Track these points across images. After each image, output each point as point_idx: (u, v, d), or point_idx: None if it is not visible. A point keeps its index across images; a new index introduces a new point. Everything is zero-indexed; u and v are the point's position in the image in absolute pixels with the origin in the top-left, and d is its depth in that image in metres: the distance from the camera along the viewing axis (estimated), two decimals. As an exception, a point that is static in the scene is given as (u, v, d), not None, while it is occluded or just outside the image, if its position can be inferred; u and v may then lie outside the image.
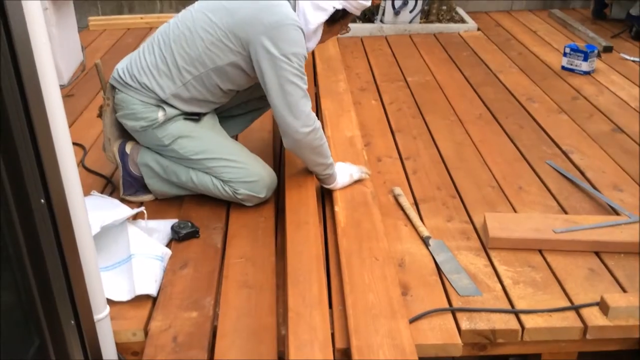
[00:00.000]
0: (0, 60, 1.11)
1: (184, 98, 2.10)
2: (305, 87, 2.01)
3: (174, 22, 2.14)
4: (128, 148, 2.24)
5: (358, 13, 2.14)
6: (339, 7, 2.05)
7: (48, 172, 1.25)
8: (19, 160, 1.23)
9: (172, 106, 2.11)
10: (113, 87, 2.16)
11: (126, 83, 2.11)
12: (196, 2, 2.16)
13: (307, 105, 2.01)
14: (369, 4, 2.11)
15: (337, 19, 2.10)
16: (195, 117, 2.17)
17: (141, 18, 4.68)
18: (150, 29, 4.55)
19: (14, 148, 1.22)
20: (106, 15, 4.91)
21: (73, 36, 3.77)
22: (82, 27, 4.36)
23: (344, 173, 2.24)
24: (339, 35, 2.31)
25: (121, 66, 2.17)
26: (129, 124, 2.15)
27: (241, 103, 2.44)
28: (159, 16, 4.74)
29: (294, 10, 2.03)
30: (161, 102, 2.10)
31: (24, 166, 1.24)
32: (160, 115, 2.10)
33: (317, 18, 2.04)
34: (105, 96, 2.18)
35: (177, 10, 4.94)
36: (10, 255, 1.31)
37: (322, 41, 2.17)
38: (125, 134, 2.25)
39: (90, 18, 4.66)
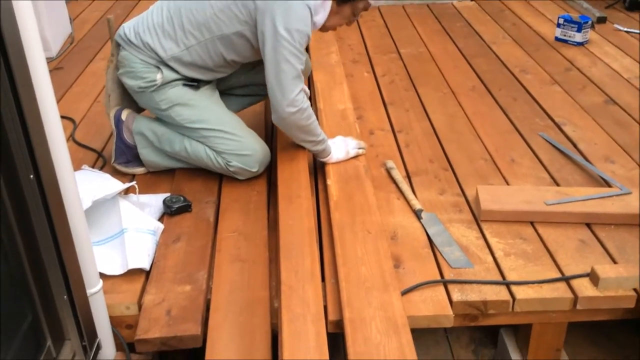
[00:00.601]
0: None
1: (184, 62, 2.10)
2: (301, 67, 1.99)
3: None
4: (124, 115, 2.24)
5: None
6: None
7: (36, 147, 1.24)
8: (7, 135, 1.22)
9: (171, 69, 2.11)
10: (118, 45, 2.16)
11: (130, 41, 2.12)
12: None
13: (297, 86, 1.99)
14: None
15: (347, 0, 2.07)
16: (194, 83, 2.16)
17: (130, -11, 4.59)
18: (138, 1, 4.48)
19: (0, 123, 1.21)
20: (94, -14, 4.81)
21: (61, 8, 3.71)
22: (70, -1, 4.29)
23: (340, 148, 2.23)
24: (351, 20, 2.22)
25: (128, 24, 2.17)
26: (128, 82, 2.16)
27: (243, 85, 2.43)
28: (148, -13, 4.65)
29: None
30: (161, 64, 2.10)
31: (12, 142, 1.23)
32: (158, 77, 2.10)
33: None
34: (111, 52, 2.20)
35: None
36: (1, 231, 1.30)
37: (330, 25, 2.14)
38: (126, 94, 2.26)
39: (79, -11, 4.58)
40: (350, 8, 2.12)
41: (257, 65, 2.27)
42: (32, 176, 1.26)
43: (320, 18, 2.07)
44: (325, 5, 2.05)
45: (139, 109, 2.30)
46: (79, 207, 1.43)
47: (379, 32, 3.87)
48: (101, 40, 3.72)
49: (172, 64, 2.10)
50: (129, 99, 2.27)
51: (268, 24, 1.94)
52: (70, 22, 3.88)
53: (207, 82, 2.22)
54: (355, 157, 2.27)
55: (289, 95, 1.98)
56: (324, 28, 2.15)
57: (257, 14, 1.97)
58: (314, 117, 2.10)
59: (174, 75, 2.12)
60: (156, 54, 2.10)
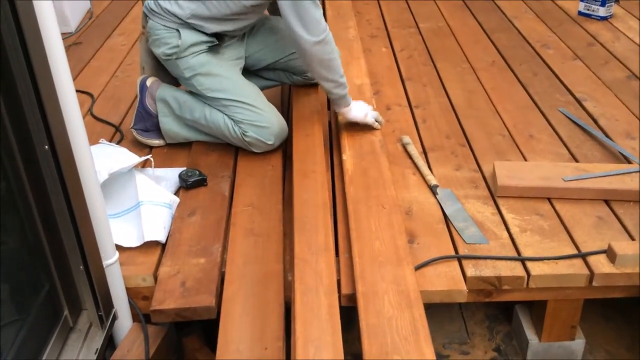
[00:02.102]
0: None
1: (204, 17, 2.11)
2: None
3: None
4: (149, 82, 2.28)
5: None
6: None
7: (51, 118, 1.25)
8: (22, 106, 1.23)
9: (193, 29, 2.13)
10: (146, 16, 2.21)
11: (152, 10, 2.16)
12: None
13: (316, 12, 1.96)
14: None
15: None
16: (217, 42, 2.17)
17: (148, -36, 4.57)
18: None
19: (16, 95, 1.22)
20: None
21: (79, -17, 3.72)
22: (89, -26, 4.29)
23: (359, 108, 2.23)
24: None
25: None
26: (155, 50, 2.21)
27: (274, 69, 2.44)
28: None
29: None
30: (182, 26, 2.13)
31: (27, 113, 1.24)
32: (180, 41, 2.12)
33: None
34: (142, 25, 2.26)
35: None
36: (17, 202, 1.32)
37: None
38: (158, 64, 2.30)
39: (97, -36, 4.57)
40: None
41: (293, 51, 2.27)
42: (46, 147, 1.27)
43: None
44: None
45: (170, 82, 2.33)
46: (94, 179, 1.44)
47: (398, 7, 3.82)
48: (119, 16, 3.72)
49: (193, 21, 2.11)
50: (162, 71, 2.31)
51: None
52: (89, -3, 3.88)
53: (231, 38, 2.24)
54: (371, 128, 2.25)
55: (309, 23, 1.95)
56: None
57: None
58: (338, 54, 2.08)
59: (195, 38, 2.13)
60: (176, 16, 2.12)
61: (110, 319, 1.55)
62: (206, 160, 2.20)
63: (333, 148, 2.27)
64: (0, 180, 1.26)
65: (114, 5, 3.92)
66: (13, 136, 1.24)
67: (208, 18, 2.12)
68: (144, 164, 2.10)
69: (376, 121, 2.27)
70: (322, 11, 2.01)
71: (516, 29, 3.43)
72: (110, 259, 1.56)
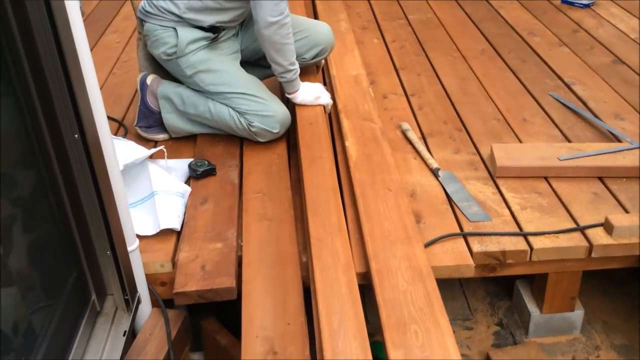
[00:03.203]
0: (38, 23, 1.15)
1: (197, 9, 2.16)
2: None
3: None
4: (149, 80, 2.32)
5: None
6: None
7: (82, 108, 1.30)
8: (52, 98, 1.28)
9: (189, 25, 2.18)
10: (141, 21, 2.25)
11: (147, 12, 2.21)
12: None
13: None
14: None
15: None
16: (215, 35, 2.22)
17: (135, -38, 4.60)
18: (145, -26, 4.48)
19: (46, 86, 1.27)
20: (99, -39, 4.81)
21: (70, -18, 3.73)
22: (76, -26, 4.30)
23: (309, 91, 2.32)
24: None
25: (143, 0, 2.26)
26: (154, 52, 2.25)
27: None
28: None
29: None
30: (178, 23, 2.18)
31: (57, 103, 1.29)
32: (176, 39, 2.17)
33: None
34: (137, 30, 2.30)
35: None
36: (49, 191, 1.37)
37: None
38: (159, 68, 2.34)
39: (84, -36, 4.58)
40: None
41: None
42: (77, 136, 1.32)
43: None
44: None
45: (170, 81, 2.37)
46: (117, 167, 1.49)
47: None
48: (110, 14, 3.75)
49: (188, 16, 2.17)
50: (162, 75, 2.35)
51: None
52: (79, -3, 3.90)
53: (227, 31, 2.29)
54: (324, 106, 2.36)
55: (266, 3, 2.03)
56: None
57: None
58: (291, 40, 2.15)
59: (192, 34, 2.18)
60: (172, 13, 2.17)
61: (136, 303, 1.60)
62: (212, 151, 2.26)
63: (335, 136, 2.34)
64: (34, 170, 1.31)
65: (103, 4, 3.94)
66: (45, 127, 1.29)
67: (202, 9, 2.17)
68: (153, 156, 2.15)
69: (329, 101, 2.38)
70: None
71: (503, 18, 3.53)
72: (132, 245, 1.61)
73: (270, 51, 2.16)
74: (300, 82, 2.30)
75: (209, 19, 2.20)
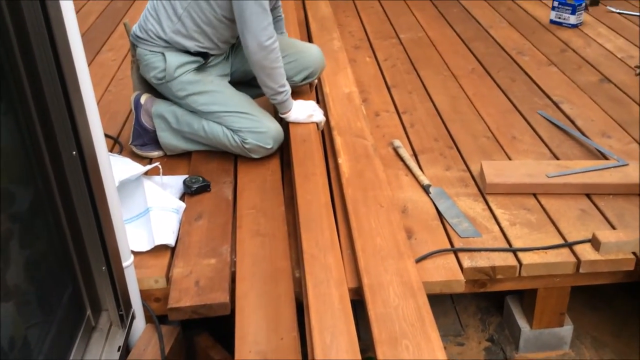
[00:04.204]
0: (39, 43, 1.18)
1: (183, 34, 2.21)
2: (266, 2, 2.08)
3: None
4: (143, 99, 2.36)
5: None
6: None
7: (80, 125, 1.32)
8: (50, 115, 1.31)
9: (176, 50, 2.22)
10: (134, 45, 2.30)
11: (138, 37, 2.26)
12: None
13: (262, 19, 2.09)
14: None
15: None
16: (203, 60, 2.26)
17: (130, -19, 4.65)
18: (140, -8, 4.54)
19: (44, 103, 1.30)
20: (94, -21, 4.86)
21: (65, 1, 3.77)
22: (72, -8, 4.34)
23: (301, 110, 2.36)
24: None
25: (136, 24, 2.31)
26: (146, 76, 2.31)
27: None
28: (148, -21, 4.71)
29: None
30: (166, 49, 2.22)
31: (55, 121, 1.32)
32: (165, 63, 2.22)
33: None
34: (131, 54, 2.35)
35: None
36: (45, 205, 1.39)
37: None
38: (152, 90, 2.39)
39: (79, -18, 4.63)
40: None
41: None
42: (74, 152, 1.35)
43: None
44: None
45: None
46: (113, 184, 1.52)
47: (378, 19, 3.95)
48: (106, 32, 3.79)
49: (175, 41, 2.21)
50: (157, 95, 2.39)
51: None
52: (75, 15, 3.93)
53: (216, 57, 2.33)
54: (317, 123, 2.40)
55: (254, 27, 2.08)
56: None
57: None
58: (280, 64, 2.19)
59: (180, 59, 2.22)
60: (160, 38, 2.22)
61: (130, 318, 1.61)
62: (207, 167, 2.29)
63: (327, 152, 2.37)
64: (31, 186, 1.33)
65: (99, 22, 3.98)
66: (44, 143, 1.32)
67: (187, 35, 2.21)
68: (148, 172, 2.17)
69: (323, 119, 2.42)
70: (270, 19, 2.12)
71: (492, 37, 3.59)
72: (127, 261, 1.63)
73: (260, 75, 2.21)
74: (293, 101, 2.34)
75: (194, 45, 2.24)
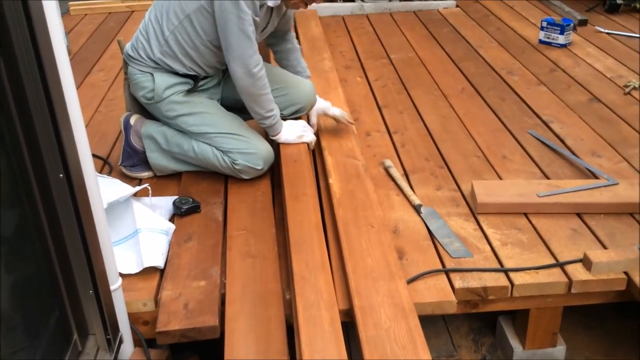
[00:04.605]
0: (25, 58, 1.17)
1: (171, 55, 2.21)
2: (250, 28, 2.08)
3: None
4: (132, 120, 2.35)
5: None
6: None
7: (67, 147, 1.31)
8: (37, 138, 1.30)
9: (165, 71, 2.22)
10: (126, 63, 2.30)
11: (129, 56, 2.27)
12: None
13: (247, 47, 2.10)
14: None
15: None
16: (192, 82, 2.26)
17: (122, 2, 4.67)
18: (131, 13, 4.56)
19: (32, 126, 1.29)
20: (86, 0, 4.88)
21: (57, 21, 3.77)
22: (63, 13, 4.35)
23: (291, 130, 2.36)
24: (295, 9, 2.36)
25: (129, 42, 2.32)
26: (136, 94, 2.30)
27: None
28: None
29: None
30: (155, 69, 2.22)
31: (43, 143, 1.31)
32: (153, 84, 2.22)
33: None
34: (124, 71, 2.35)
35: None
36: (32, 228, 1.37)
37: (291, 4, 2.23)
38: (143, 108, 2.38)
39: (71, 3, 4.64)
40: None
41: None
42: (61, 175, 1.34)
43: None
44: None
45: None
46: (101, 207, 1.50)
47: (368, 39, 3.98)
48: (97, 52, 3.80)
49: (163, 62, 2.22)
50: (146, 113, 2.39)
51: None
52: (66, 35, 3.94)
53: (209, 81, 2.33)
54: (308, 143, 2.40)
55: (239, 55, 2.09)
56: (287, 4, 2.25)
57: None
58: (267, 90, 2.20)
59: (169, 81, 2.22)
60: (149, 58, 2.23)
61: (118, 342, 1.59)
62: (197, 188, 2.27)
63: (318, 173, 2.37)
64: (17, 209, 1.32)
65: (90, 42, 3.99)
66: (30, 166, 1.30)
67: (175, 57, 2.22)
68: (137, 194, 2.15)
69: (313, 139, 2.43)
70: (256, 47, 2.13)
71: (482, 57, 3.62)
72: (114, 284, 1.61)
73: (247, 101, 2.22)
74: (282, 123, 2.33)
75: (181, 68, 2.24)
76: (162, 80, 2.23)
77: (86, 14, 4.56)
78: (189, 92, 2.29)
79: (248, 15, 2.07)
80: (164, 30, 2.19)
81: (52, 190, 1.36)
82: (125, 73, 2.34)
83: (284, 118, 2.50)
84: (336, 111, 2.50)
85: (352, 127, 2.57)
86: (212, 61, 2.28)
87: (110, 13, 4.56)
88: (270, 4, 2.17)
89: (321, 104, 2.52)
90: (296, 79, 2.51)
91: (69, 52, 3.81)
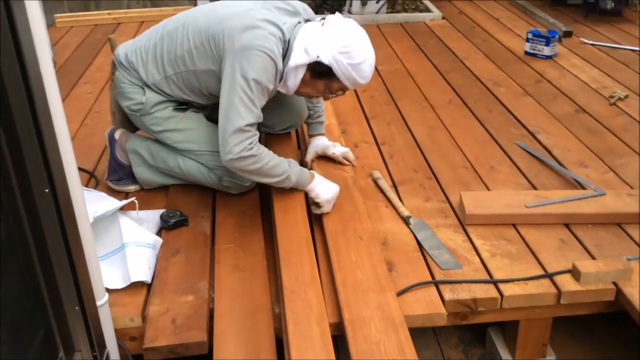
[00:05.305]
0: (7, 63, 1.16)
1: (168, 88, 2.16)
2: (251, 120, 1.91)
3: (180, 14, 2.18)
4: (117, 134, 2.31)
5: (348, 84, 1.99)
6: (325, 60, 1.91)
7: (52, 162, 1.29)
8: (22, 152, 1.28)
9: (155, 91, 2.17)
10: (114, 65, 2.23)
11: (120, 62, 2.19)
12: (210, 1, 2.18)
13: (238, 138, 1.90)
14: (363, 82, 2.00)
15: (323, 76, 1.97)
16: (183, 106, 2.22)
17: (109, 14, 4.66)
18: (118, 25, 4.55)
19: (17, 139, 1.27)
20: (73, 12, 4.86)
21: (42, 33, 3.75)
22: (49, 25, 4.33)
23: (327, 190, 2.09)
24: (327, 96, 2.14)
25: (123, 45, 2.24)
26: (121, 102, 2.23)
27: None
28: (126, 12, 4.73)
29: (288, 40, 1.97)
30: (145, 86, 2.17)
31: (27, 158, 1.29)
32: (143, 99, 2.16)
33: (298, 59, 1.94)
34: (111, 71, 2.26)
35: (144, 6, 4.93)
36: (16, 244, 1.35)
37: (304, 92, 2.07)
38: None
39: (57, 15, 4.63)
40: (324, 85, 2.02)
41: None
42: (47, 190, 1.32)
43: (291, 84, 2.01)
44: (298, 72, 1.97)
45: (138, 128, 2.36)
46: (87, 222, 1.48)
47: (356, 51, 3.98)
48: (83, 64, 3.77)
49: (157, 88, 2.17)
50: (130, 123, 2.34)
51: (229, 67, 1.91)
52: (51, 48, 3.91)
53: (194, 106, 2.26)
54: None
55: (226, 145, 1.91)
56: (297, 93, 2.09)
57: (224, 54, 1.94)
58: (268, 159, 1.97)
59: (159, 97, 2.18)
60: (140, 75, 2.16)
61: (104, 359, 1.56)
62: (184, 201, 2.25)
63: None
64: (2, 224, 1.30)
65: (76, 55, 3.96)
66: (15, 180, 1.28)
67: (169, 93, 2.17)
68: (124, 207, 2.13)
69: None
70: (246, 136, 1.91)
71: (468, 69, 3.64)
72: (101, 299, 1.59)
73: (250, 177, 2.04)
74: (308, 174, 2.09)
75: (177, 98, 2.19)
76: (154, 96, 2.16)
77: (72, 26, 4.54)
78: (178, 109, 2.23)
79: (255, 111, 1.93)
80: (166, 69, 2.10)
81: (38, 204, 1.34)
82: (112, 74, 2.25)
83: (275, 133, 2.49)
84: (338, 151, 2.38)
85: (341, 139, 2.57)
86: (215, 101, 2.22)
87: (96, 25, 4.54)
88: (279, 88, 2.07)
89: (320, 143, 2.39)
90: (291, 99, 2.36)
91: (55, 65, 3.78)
